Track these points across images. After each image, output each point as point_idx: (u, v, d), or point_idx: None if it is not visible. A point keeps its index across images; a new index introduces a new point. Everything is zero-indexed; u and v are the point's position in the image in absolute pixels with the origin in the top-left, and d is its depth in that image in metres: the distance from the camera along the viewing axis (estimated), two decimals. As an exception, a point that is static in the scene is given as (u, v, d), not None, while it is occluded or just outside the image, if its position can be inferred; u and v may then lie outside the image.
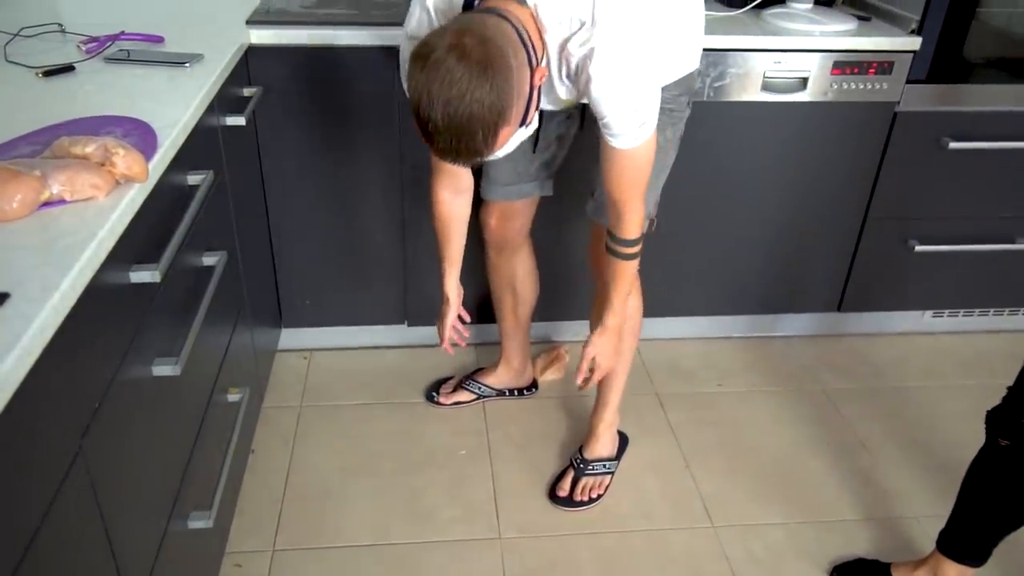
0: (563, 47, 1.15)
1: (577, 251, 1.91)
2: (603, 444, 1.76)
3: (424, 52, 0.98)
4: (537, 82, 1.10)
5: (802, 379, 2.11)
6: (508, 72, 0.99)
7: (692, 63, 1.44)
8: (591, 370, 1.49)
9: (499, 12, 1.06)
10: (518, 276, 1.82)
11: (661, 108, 1.38)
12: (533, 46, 1.09)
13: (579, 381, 1.49)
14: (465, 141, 1.00)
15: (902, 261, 2.12)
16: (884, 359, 2.20)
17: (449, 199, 1.51)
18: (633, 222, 1.35)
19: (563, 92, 1.24)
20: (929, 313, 2.28)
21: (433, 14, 1.19)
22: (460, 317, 1.67)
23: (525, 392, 2.01)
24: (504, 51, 1.00)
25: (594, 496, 1.71)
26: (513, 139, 1.11)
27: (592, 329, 1.54)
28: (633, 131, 1.21)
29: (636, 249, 1.39)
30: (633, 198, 1.32)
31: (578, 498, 1.70)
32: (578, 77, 1.18)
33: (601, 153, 1.28)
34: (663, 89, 1.39)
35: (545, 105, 1.31)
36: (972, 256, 2.12)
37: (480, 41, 0.98)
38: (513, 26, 1.05)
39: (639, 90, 1.18)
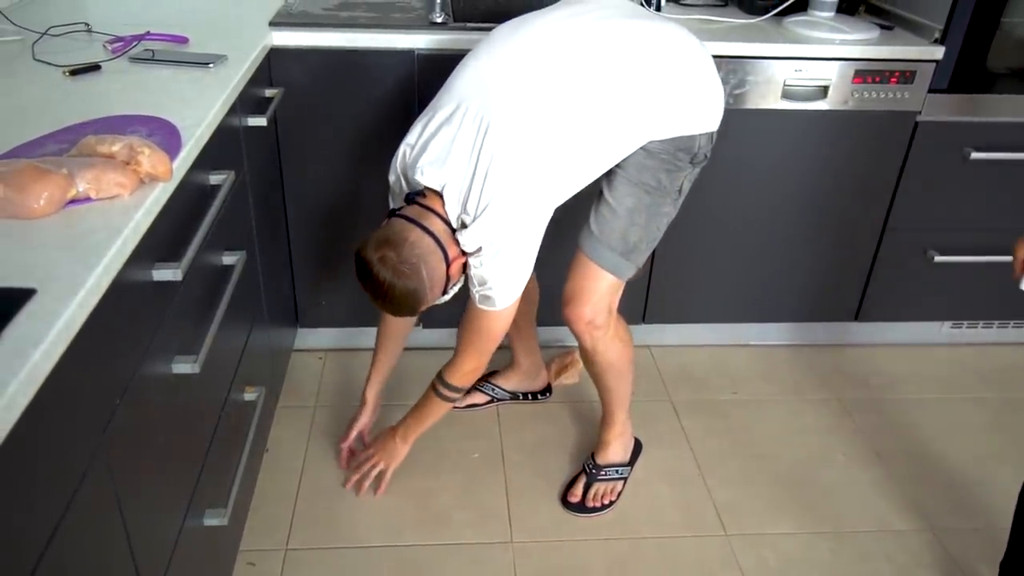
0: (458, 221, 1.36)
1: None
2: (614, 450, 1.75)
3: (361, 265, 1.30)
4: (455, 270, 1.34)
5: (817, 388, 2.10)
6: (420, 280, 1.29)
7: (689, 128, 1.40)
8: None
9: (420, 224, 1.30)
10: None
11: (655, 155, 1.41)
12: (444, 245, 1.31)
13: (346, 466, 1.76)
14: (394, 313, 1.36)
15: (921, 271, 2.10)
16: (901, 370, 2.19)
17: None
18: (463, 371, 1.52)
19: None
20: (948, 324, 2.26)
21: (398, 182, 1.44)
22: (362, 435, 1.79)
23: (539, 396, 2.01)
24: (417, 265, 1.28)
25: (606, 502, 1.71)
26: (440, 300, 1.38)
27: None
28: (479, 297, 1.39)
29: (456, 396, 1.57)
30: (469, 350, 1.50)
31: (590, 504, 1.70)
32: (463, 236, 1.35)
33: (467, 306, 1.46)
34: (653, 143, 1.40)
35: None
36: (992, 267, 2.10)
37: (398, 258, 1.27)
38: (431, 235, 1.30)
39: (494, 274, 1.35)
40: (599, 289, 1.49)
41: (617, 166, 1.42)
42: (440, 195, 1.32)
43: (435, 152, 1.31)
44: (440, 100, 1.36)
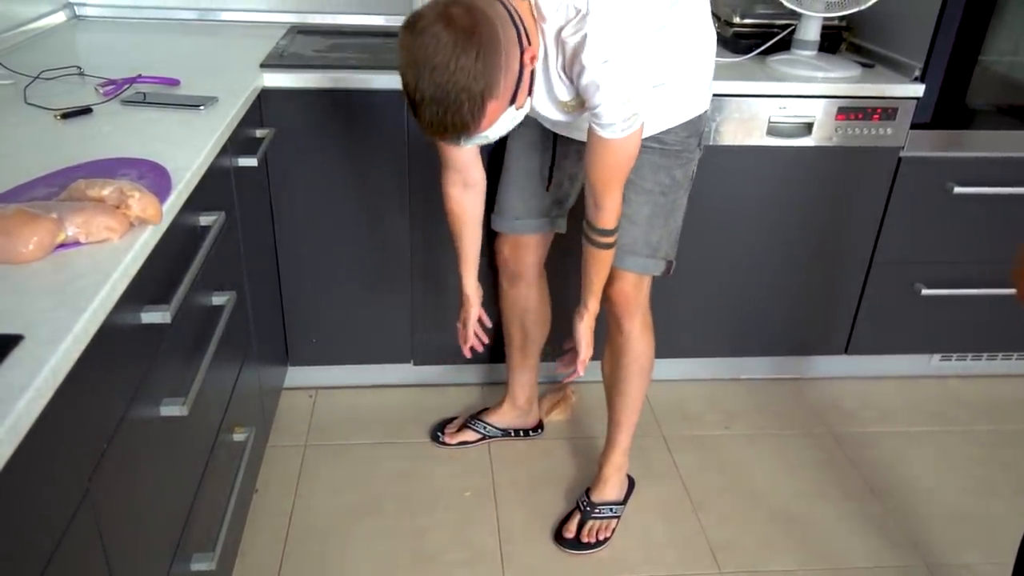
0: (559, 36, 1.16)
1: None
2: (611, 487, 1.74)
3: (413, 20, 1.00)
4: (528, 63, 1.11)
5: (810, 423, 2.10)
6: (495, 43, 0.99)
7: (700, 106, 1.46)
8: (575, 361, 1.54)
9: None
10: (529, 310, 1.82)
11: (669, 150, 1.41)
12: (525, 29, 1.10)
13: (560, 369, 1.54)
14: (451, 112, 1.01)
15: (909, 304, 2.12)
16: (892, 403, 2.19)
17: (459, 195, 1.54)
18: (611, 211, 1.36)
19: (562, 92, 1.25)
20: (937, 357, 2.27)
21: None
22: (481, 320, 1.70)
23: (531, 433, 2.00)
24: (492, 23, 1.00)
25: (601, 539, 1.69)
26: (503, 120, 1.12)
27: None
28: (621, 122, 1.21)
29: (612, 240, 1.40)
30: (613, 188, 1.33)
31: (584, 540, 1.68)
32: (572, 68, 1.19)
33: (588, 142, 1.29)
34: (670, 131, 1.43)
35: (548, 111, 1.32)
36: (979, 300, 2.12)
37: (468, 11, 0.99)
38: (504, 6, 1.06)
39: (629, 79, 1.18)
40: (632, 290, 1.55)
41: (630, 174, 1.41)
42: None
43: None
44: None
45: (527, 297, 1.80)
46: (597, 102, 1.19)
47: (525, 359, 1.90)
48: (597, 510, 1.72)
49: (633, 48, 1.18)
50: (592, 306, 1.51)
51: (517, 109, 1.15)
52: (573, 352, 1.58)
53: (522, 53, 1.09)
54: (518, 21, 1.09)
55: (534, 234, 1.71)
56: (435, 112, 1.01)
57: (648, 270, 1.55)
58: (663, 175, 1.46)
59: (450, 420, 2.01)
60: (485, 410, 2.00)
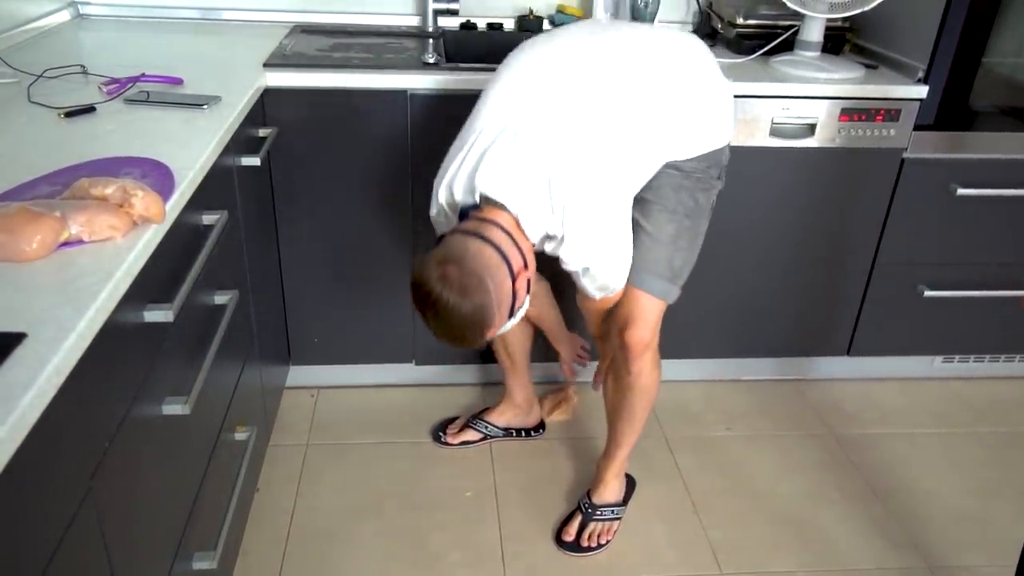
0: (541, 242, 1.33)
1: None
2: (611, 490, 1.74)
3: (419, 288, 1.20)
4: (521, 286, 1.25)
5: (811, 424, 2.10)
6: (486, 294, 1.19)
7: (718, 140, 1.46)
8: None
9: (481, 235, 1.22)
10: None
11: (690, 175, 1.44)
12: (517, 251, 1.25)
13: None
14: (460, 341, 1.23)
15: (911, 306, 2.11)
16: (895, 404, 2.19)
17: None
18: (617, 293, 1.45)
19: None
20: (939, 358, 2.27)
21: (447, 208, 1.37)
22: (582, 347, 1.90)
23: (532, 433, 2.00)
24: (483, 277, 1.18)
25: (602, 542, 1.69)
26: (506, 325, 1.28)
27: (602, 381, 1.67)
28: (598, 292, 1.41)
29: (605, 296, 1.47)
30: (612, 298, 1.46)
31: (585, 543, 1.68)
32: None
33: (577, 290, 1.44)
34: (692, 160, 1.44)
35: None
36: (982, 301, 2.11)
37: (460, 272, 1.18)
38: (494, 246, 1.22)
39: (607, 274, 1.37)
40: (651, 315, 1.50)
41: (652, 194, 1.43)
42: (501, 207, 1.27)
43: (491, 166, 1.27)
44: (480, 122, 1.34)
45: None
46: (576, 275, 1.37)
47: (514, 363, 1.90)
48: (599, 512, 1.72)
49: (610, 250, 1.35)
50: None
51: (515, 319, 1.29)
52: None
53: (514, 282, 1.24)
54: (506, 254, 1.23)
55: None
56: (448, 340, 1.24)
57: (667, 296, 1.49)
58: (686, 196, 1.44)
59: (452, 420, 2.01)
60: (486, 410, 2.00)
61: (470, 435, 1.96)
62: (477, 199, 1.28)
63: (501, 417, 1.98)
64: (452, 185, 1.32)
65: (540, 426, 2.01)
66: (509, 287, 1.23)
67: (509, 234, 1.25)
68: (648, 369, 1.57)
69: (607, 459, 1.74)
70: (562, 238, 1.29)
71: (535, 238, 1.29)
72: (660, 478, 1.89)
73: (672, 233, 1.46)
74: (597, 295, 1.42)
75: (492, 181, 1.26)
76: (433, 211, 1.40)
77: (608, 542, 1.69)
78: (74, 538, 0.81)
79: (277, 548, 1.65)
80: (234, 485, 1.44)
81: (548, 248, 1.34)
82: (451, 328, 1.20)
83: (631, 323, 1.49)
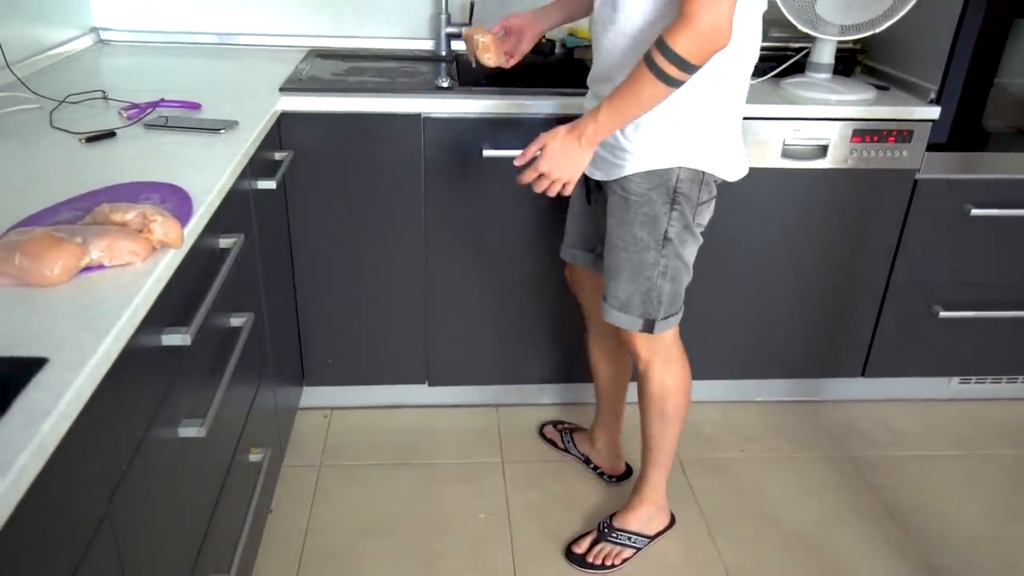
0: None
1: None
2: (635, 517, 1.72)
3: None
4: None
5: (827, 446, 2.08)
6: None
7: (667, 159, 1.36)
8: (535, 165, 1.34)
9: None
10: (598, 360, 1.83)
11: (631, 200, 1.40)
12: None
13: (518, 163, 1.34)
14: None
15: (927, 327, 2.10)
16: (911, 426, 2.17)
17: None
18: (695, 30, 1.15)
19: None
20: (956, 380, 2.25)
21: None
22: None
23: (605, 476, 1.93)
24: None
25: (607, 564, 1.67)
26: None
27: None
28: None
29: (678, 74, 1.19)
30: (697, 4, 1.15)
31: (590, 560, 1.67)
32: None
33: None
34: (631, 179, 1.38)
35: None
36: (998, 322, 2.10)
37: None
38: None
39: None
40: (630, 338, 1.53)
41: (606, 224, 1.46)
42: None
43: None
44: None
45: (594, 347, 1.80)
46: None
47: (597, 395, 1.88)
48: (614, 534, 1.70)
49: None
50: (583, 128, 1.29)
51: None
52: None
53: None
54: None
55: (584, 266, 1.67)
56: None
57: (622, 324, 1.49)
58: (624, 229, 1.42)
59: (556, 423, 2.07)
60: (576, 428, 2.03)
61: (554, 437, 2.02)
62: None
63: (582, 443, 1.98)
64: None
65: (621, 476, 1.93)
66: None
67: None
68: (657, 371, 1.56)
69: (637, 482, 1.74)
70: None
71: None
72: (674, 500, 1.87)
73: (613, 266, 1.46)
74: None
75: None
76: None
77: (613, 566, 1.68)
78: (92, 560, 0.81)
79: (290, 569, 1.65)
80: (248, 507, 1.45)
81: None
82: None
83: (625, 342, 1.57)
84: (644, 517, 1.72)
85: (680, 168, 1.37)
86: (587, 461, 1.97)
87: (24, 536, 0.69)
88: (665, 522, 1.75)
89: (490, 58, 1.59)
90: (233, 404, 1.39)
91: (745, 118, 1.80)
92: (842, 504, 1.88)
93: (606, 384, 1.85)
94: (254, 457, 1.51)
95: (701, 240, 1.48)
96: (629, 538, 1.71)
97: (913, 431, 2.15)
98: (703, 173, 1.39)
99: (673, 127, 1.35)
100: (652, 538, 1.74)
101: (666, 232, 1.42)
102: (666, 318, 1.50)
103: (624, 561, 1.69)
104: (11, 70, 1.66)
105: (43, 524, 0.72)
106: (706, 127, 1.36)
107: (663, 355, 1.55)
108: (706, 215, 1.46)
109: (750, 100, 1.82)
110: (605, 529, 1.71)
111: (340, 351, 2.03)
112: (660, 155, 1.36)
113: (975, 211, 1.93)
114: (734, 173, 1.44)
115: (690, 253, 1.47)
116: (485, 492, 1.89)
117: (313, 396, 2.12)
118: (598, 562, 1.67)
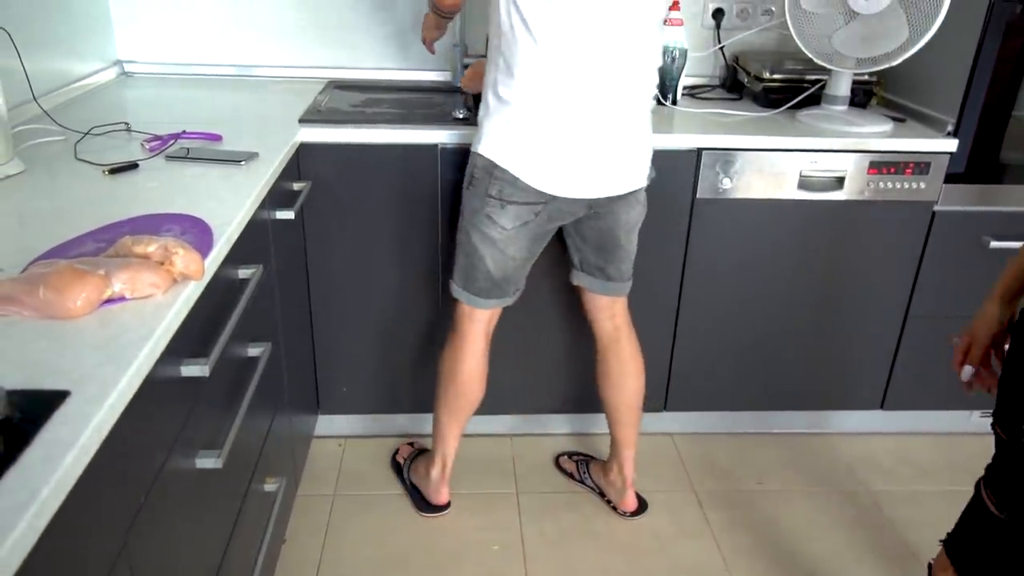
0: None
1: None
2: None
3: None
4: None
5: (845, 479, 2.05)
6: None
7: (492, 148, 1.49)
8: None
9: None
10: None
11: (470, 173, 1.54)
12: None
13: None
14: None
15: (945, 359, 2.06)
16: (931, 460, 2.13)
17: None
18: None
19: None
20: (977, 413, 2.22)
21: None
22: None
23: (618, 510, 1.90)
24: None
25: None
26: None
27: None
28: None
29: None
30: None
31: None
32: None
33: None
34: (474, 155, 1.55)
35: None
36: (1019, 355, 2.07)
37: None
38: None
39: None
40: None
41: None
42: None
43: None
44: None
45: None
46: None
47: (613, 426, 1.89)
48: None
49: None
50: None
51: None
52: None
53: None
54: None
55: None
56: None
57: (459, 296, 1.67)
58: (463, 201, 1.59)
59: (572, 453, 2.07)
60: (596, 460, 2.03)
61: (570, 466, 2.03)
62: None
63: (597, 475, 1.98)
64: None
65: (635, 512, 1.90)
66: None
67: None
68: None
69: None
70: None
71: None
72: (691, 534, 1.85)
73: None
74: None
75: None
76: None
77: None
78: (108, 595, 0.81)
79: (303, 601, 1.64)
80: (263, 537, 1.44)
81: None
82: None
83: None
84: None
85: (477, 155, 1.52)
86: (601, 493, 1.95)
87: (43, 567, 0.69)
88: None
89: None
90: (249, 434, 1.39)
91: (761, 149, 1.82)
92: (862, 540, 1.85)
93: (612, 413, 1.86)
94: (269, 487, 1.51)
95: (497, 241, 1.54)
96: None
97: (933, 465, 2.12)
98: (494, 165, 1.49)
99: (485, 115, 1.50)
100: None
101: (477, 217, 1.55)
102: (463, 289, 1.64)
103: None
104: (38, 103, 1.70)
105: (62, 558, 0.72)
106: (505, 121, 1.47)
107: (455, 326, 1.71)
108: (506, 217, 1.52)
109: (766, 131, 1.84)
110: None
111: (355, 379, 2.03)
112: (491, 139, 1.49)
113: (993, 243, 1.92)
114: (541, 180, 1.48)
115: (480, 242, 1.56)
116: (499, 523, 1.87)
117: (328, 424, 2.12)
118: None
